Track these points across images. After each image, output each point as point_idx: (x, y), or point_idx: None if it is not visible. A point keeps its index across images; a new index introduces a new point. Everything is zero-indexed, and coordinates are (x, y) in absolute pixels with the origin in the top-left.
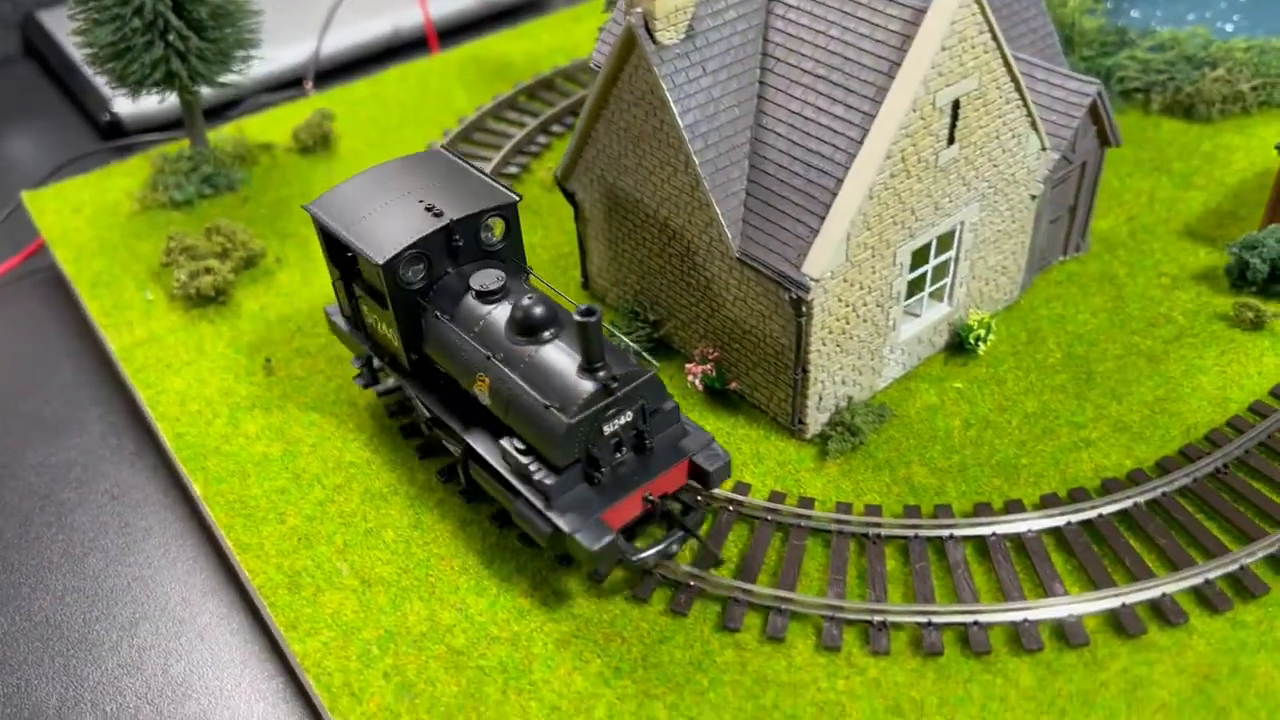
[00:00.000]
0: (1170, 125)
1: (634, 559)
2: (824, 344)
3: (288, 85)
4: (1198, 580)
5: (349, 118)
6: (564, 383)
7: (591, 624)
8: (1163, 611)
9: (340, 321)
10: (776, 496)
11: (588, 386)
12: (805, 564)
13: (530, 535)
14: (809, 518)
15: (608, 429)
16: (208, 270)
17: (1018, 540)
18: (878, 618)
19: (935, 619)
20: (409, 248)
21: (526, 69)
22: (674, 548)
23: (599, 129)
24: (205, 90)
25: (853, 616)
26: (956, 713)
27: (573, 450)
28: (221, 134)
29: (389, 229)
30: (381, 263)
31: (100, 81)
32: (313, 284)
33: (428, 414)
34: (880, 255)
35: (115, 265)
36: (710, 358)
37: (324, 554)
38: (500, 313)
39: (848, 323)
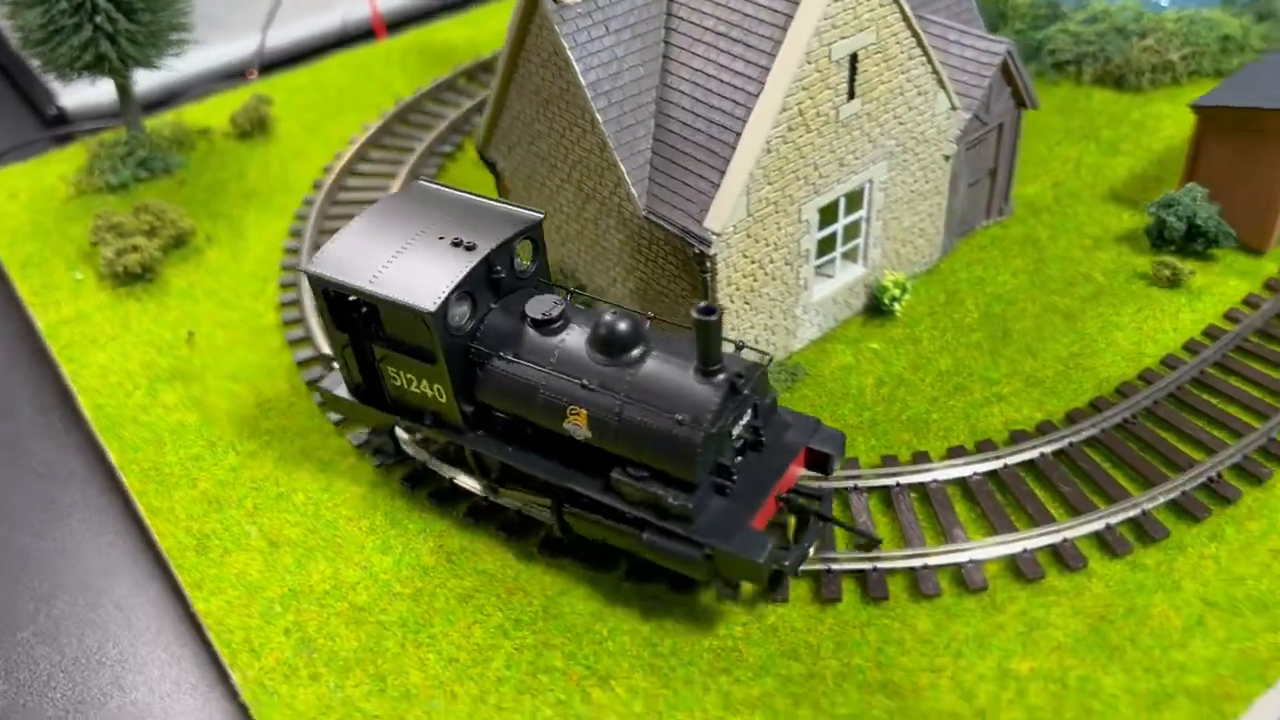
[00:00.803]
0: (1101, 95)
1: (793, 565)
2: (732, 301)
3: (236, 76)
4: (1099, 525)
5: (289, 104)
6: (685, 393)
7: (495, 579)
8: (1062, 556)
9: (343, 394)
10: None
11: (714, 392)
12: None
13: (673, 566)
14: None
15: (735, 432)
16: (134, 248)
17: (922, 490)
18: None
19: (835, 566)
20: (455, 289)
21: (468, 53)
22: (815, 541)
23: (512, 94)
24: (147, 78)
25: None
26: (853, 656)
27: (708, 463)
28: (161, 120)
29: (422, 274)
30: (431, 309)
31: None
32: (241, 262)
33: (492, 470)
34: (784, 211)
35: (47, 248)
36: None
37: (234, 517)
38: (574, 338)
39: (755, 280)
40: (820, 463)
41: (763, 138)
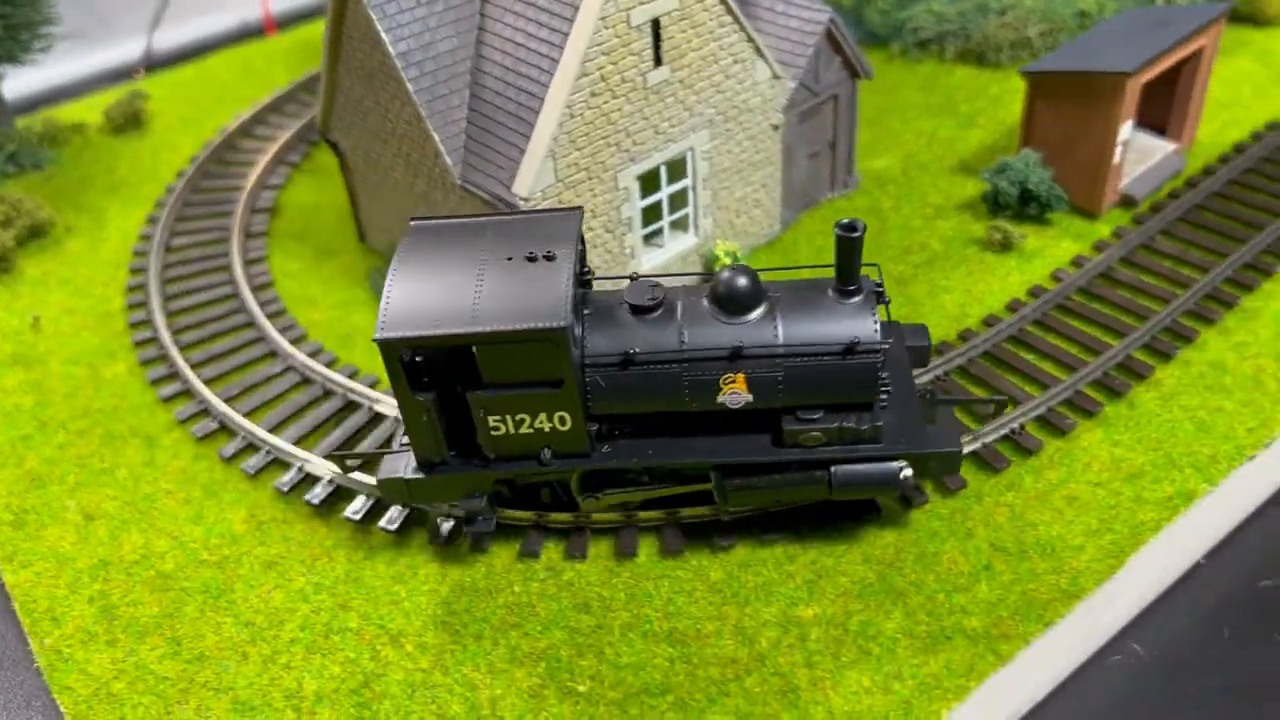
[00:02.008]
0: (963, 72)
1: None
2: None
3: (125, 75)
4: (779, 507)
5: (170, 99)
6: (841, 321)
7: (303, 546)
8: (858, 507)
9: (422, 475)
10: None
11: (868, 310)
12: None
13: (866, 495)
14: None
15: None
16: None
17: None
18: (579, 525)
19: (632, 523)
20: (571, 299)
21: None
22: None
23: (340, 72)
24: (37, 78)
25: (554, 526)
26: (643, 607)
27: (881, 377)
28: (33, 118)
29: (523, 297)
30: (563, 325)
31: None
32: (99, 251)
33: (625, 481)
34: (598, 178)
35: None
36: None
37: (55, 493)
38: (686, 311)
39: None
40: (921, 356)
41: (562, 102)
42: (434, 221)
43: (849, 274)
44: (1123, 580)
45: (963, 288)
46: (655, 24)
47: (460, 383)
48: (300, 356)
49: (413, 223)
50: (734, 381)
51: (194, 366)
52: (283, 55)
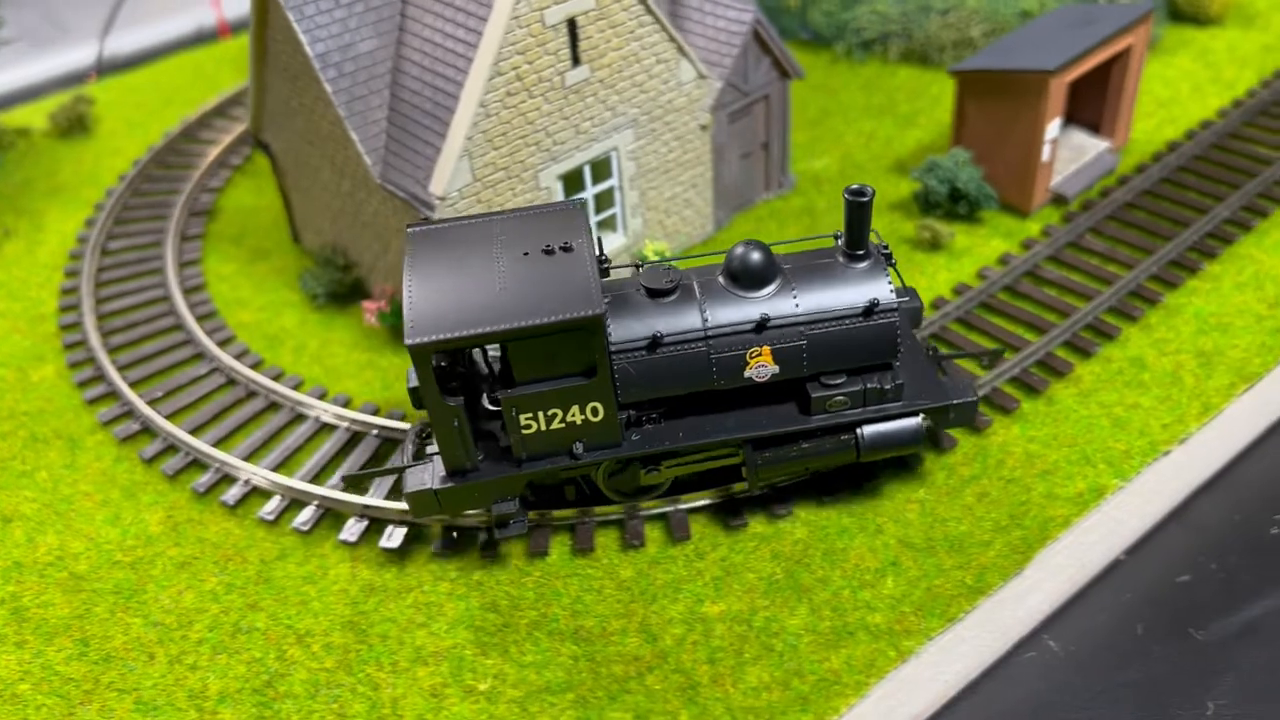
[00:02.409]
0: (906, 72)
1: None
2: None
3: (78, 80)
4: (805, 476)
5: (118, 103)
6: (857, 285)
7: (217, 547)
8: (768, 504)
9: (454, 484)
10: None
11: (880, 271)
12: None
13: (894, 453)
14: None
15: None
16: None
17: None
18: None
19: (544, 523)
20: (604, 288)
21: None
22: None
23: (268, 75)
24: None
25: (468, 525)
26: (551, 606)
27: (900, 336)
28: None
29: (550, 289)
30: (601, 311)
31: None
32: (36, 254)
33: (661, 463)
34: (518, 177)
35: None
36: (386, 294)
37: None
38: (703, 290)
39: None
40: (915, 317)
41: (476, 101)
42: (433, 225)
43: (859, 239)
44: (1033, 576)
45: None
46: (571, 23)
47: (494, 386)
48: (226, 358)
49: (410, 229)
50: (760, 355)
51: (121, 369)
52: (233, 59)
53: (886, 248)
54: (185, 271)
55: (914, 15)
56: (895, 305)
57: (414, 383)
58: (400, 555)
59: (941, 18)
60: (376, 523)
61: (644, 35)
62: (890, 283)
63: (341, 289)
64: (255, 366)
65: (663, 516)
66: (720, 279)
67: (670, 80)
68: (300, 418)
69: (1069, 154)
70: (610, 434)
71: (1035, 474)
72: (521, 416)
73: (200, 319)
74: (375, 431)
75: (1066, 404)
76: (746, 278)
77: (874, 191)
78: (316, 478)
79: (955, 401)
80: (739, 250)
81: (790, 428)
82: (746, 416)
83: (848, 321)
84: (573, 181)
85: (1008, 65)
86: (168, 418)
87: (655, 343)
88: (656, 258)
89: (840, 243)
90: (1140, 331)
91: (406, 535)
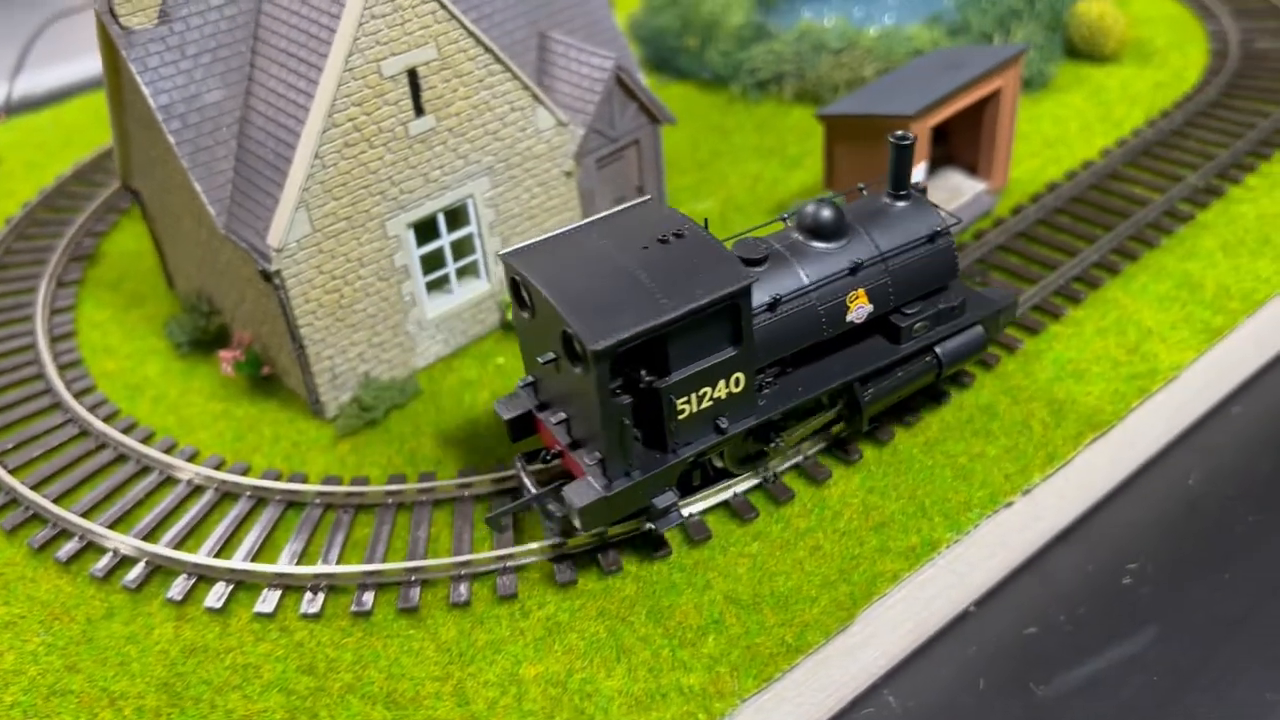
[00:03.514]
0: (800, 112)
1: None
2: (316, 318)
3: None
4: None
5: (20, 144)
6: (915, 218)
7: (46, 605)
8: (599, 561)
9: (622, 486)
10: (270, 474)
11: (927, 204)
12: (274, 535)
13: (963, 365)
14: (297, 493)
15: None
16: None
17: (485, 499)
18: (318, 582)
19: (371, 580)
20: (745, 259)
21: None
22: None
23: (128, 121)
24: None
25: (293, 583)
26: (368, 668)
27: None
28: None
29: (684, 273)
30: (748, 281)
31: None
32: None
33: (791, 414)
34: (363, 226)
35: None
36: (243, 343)
37: None
38: (795, 251)
39: (342, 296)
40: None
41: (310, 154)
42: (525, 246)
43: (903, 180)
44: (862, 632)
45: None
46: (413, 74)
47: (654, 375)
48: (80, 410)
49: (504, 256)
50: (857, 297)
51: None
52: None
53: (921, 185)
54: (55, 319)
55: (807, 55)
56: (949, 228)
57: (510, 414)
58: (223, 614)
59: (835, 57)
60: (203, 580)
61: (495, 84)
62: (938, 211)
63: (205, 336)
64: (109, 418)
65: (490, 574)
66: (799, 238)
67: (528, 128)
68: (146, 470)
69: (945, 195)
70: (749, 401)
71: (870, 527)
72: (678, 402)
73: (63, 368)
74: (215, 486)
75: (910, 453)
76: (826, 232)
77: (915, 138)
78: (150, 535)
79: (1003, 305)
80: (810, 209)
81: (890, 359)
82: (846, 360)
83: (918, 250)
84: (426, 229)
85: (870, 110)
86: (12, 471)
87: (775, 304)
88: None
89: (866, 192)
90: (995, 378)
91: (229, 594)
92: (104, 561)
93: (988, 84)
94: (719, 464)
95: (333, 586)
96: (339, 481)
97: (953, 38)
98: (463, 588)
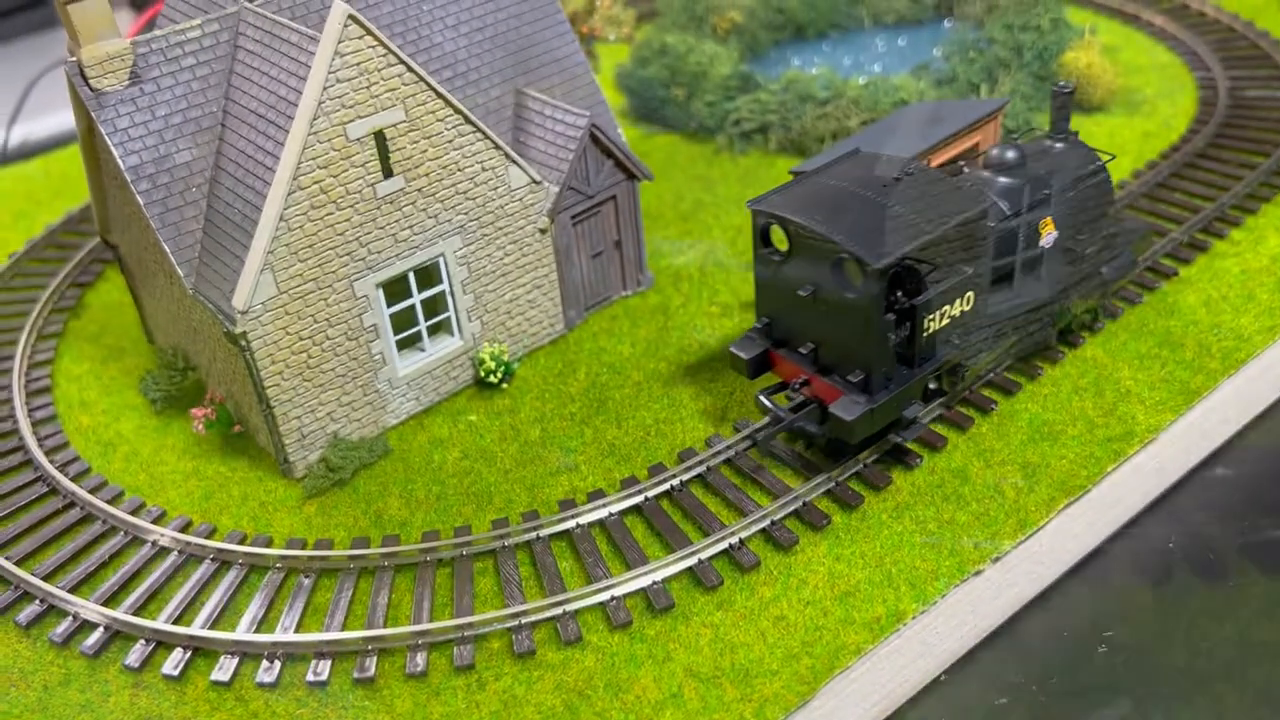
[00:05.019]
0: (785, 164)
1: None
2: (284, 378)
3: None
4: (604, 596)
5: (9, 193)
6: (1076, 155)
7: (3, 670)
8: (558, 630)
9: (884, 398)
10: (235, 536)
11: (1083, 143)
12: (236, 600)
13: (1127, 277)
14: (261, 556)
15: None
16: None
17: (449, 563)
18: (275, 650)
19: (328, 649)
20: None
21: None
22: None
23: (103, 177)
24: None
25: (251, 651)
26: None
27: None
28: None
29: (941, 196)
30: (989, 203)
31: None
32: None
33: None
34: (330, 287)
35: None
36: (215, 400)
37: None
38: (991, 186)
39: (310, 356)
40: None
41: (276, 215)
42: (769, 195)
43: (1063, 124)
44: (824, 706)
45: (726, 390)
46: (380, 136)
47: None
48: (50, 468)
49: (752, 205)
50: (1047, 224)
51: None
52: None
53: (1075, 131)
54: (33, 373)
55: (793, 105)
56: (1106, 162)
57: (750, 353)
58: (180, 682)
59: (820, 108)
60: (162, 646)
61: (465, 144)
62: (1093, 150)
63: (179, 392)
64: (79, 476)
65: (448, 643)
66: (988, 174)
67: (500, 187)
68: (112, 530)
69: None
70: (978, 316)
71: (835, 596)
72: (927, 319)
73: (37, 424)
74: (180, 549)
75: (880, 519)
76: (1011, 167)
77: (1074, 87)
78: (111, 599)
79: (1143, 230)
80: (995, 152)
81: (1076, 278)
82: (1038, 281)
83: (1085, 182)
84: (397, 287)
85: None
86: None
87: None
88: (493, 362)
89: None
90: (968, 440)
91: (186, 661)
92: (64, 626)
93: (967, 139)
94: (932, 385)
95: (290, 655)
96: (303, 545)
97: (939, 88)
98: (419, 658)
